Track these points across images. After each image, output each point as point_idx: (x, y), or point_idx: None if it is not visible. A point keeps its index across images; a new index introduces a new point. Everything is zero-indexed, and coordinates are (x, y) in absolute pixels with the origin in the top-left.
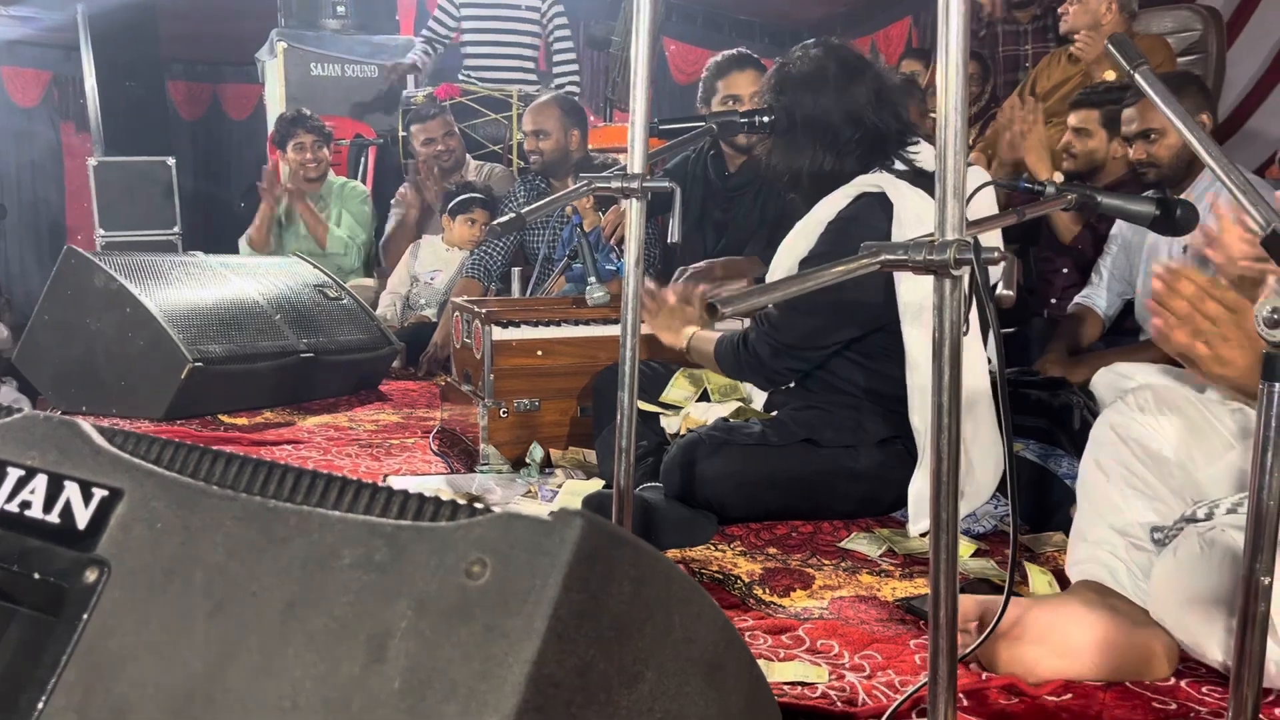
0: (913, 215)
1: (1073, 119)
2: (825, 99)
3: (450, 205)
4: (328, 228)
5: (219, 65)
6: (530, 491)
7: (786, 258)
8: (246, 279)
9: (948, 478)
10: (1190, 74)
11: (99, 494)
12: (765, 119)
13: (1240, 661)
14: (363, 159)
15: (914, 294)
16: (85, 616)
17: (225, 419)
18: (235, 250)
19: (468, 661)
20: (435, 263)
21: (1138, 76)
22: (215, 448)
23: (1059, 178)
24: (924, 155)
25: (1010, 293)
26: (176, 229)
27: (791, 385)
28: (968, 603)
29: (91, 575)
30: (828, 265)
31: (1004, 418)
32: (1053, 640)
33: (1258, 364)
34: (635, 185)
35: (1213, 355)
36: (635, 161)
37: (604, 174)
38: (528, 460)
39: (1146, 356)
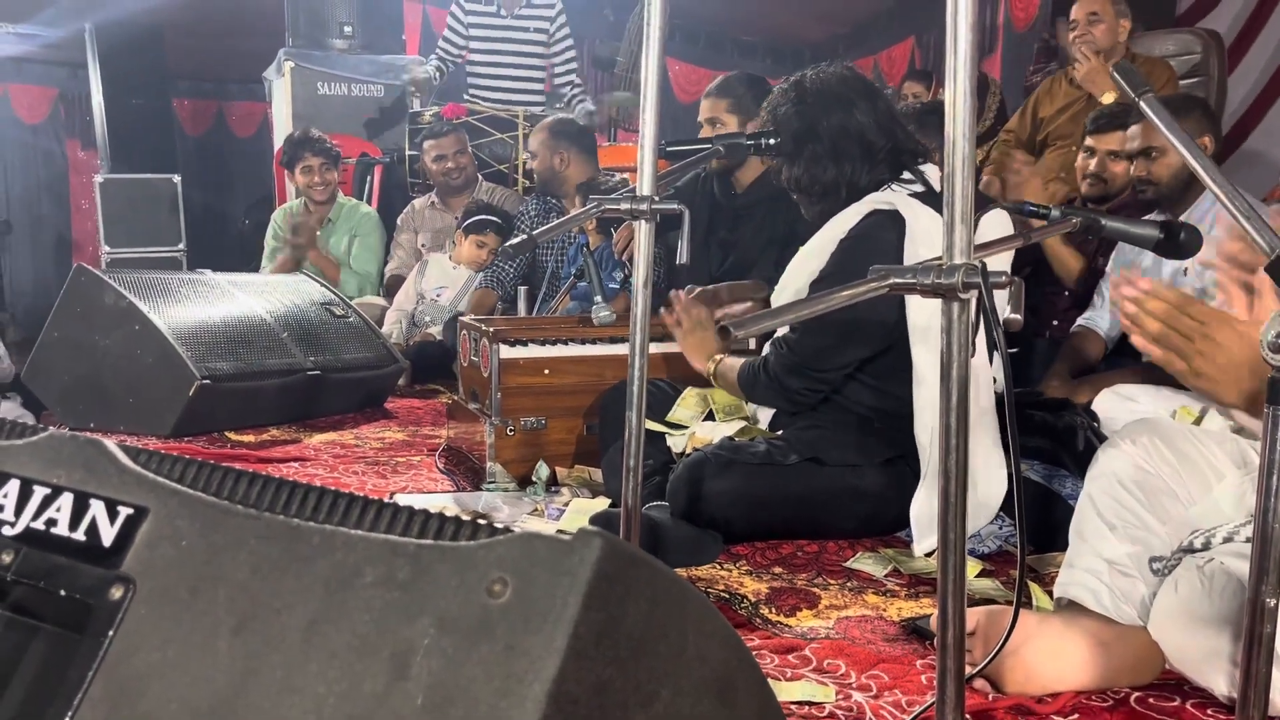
0: (924, 232)
1: (1103, 141)
2: (858, 110)
3: (465, 223)
4: (339, 267)
5: (225, 83)
6: (537, 510)
7: (797, 276)
8: (254, 297)
9: (955, 498)
10: (1194, 96)
11: (124, 512)
12: (771, 140)
13: (1246, 683)
14: (369, 178)
15: (922, 314)
16: (110, 633)
17: (232, 436)
18: (238, 267)
19: (489, 679)
20: (442, 280)
21: (1143, 103)
22: (235, 467)
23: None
24: (933, 176)
25: (1019, 316)
26: (181, 245)
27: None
28: (969, 613)
29: (117, 592)
30: (837, 289)
31: (1012, 439)
32: (1042, 651)
33: (1233, 375)
34: (644, 207)
35: (1189, 369)
36: (644, 183)
37: (614, 195)
38: (534, 478)
39: (1148, 378)
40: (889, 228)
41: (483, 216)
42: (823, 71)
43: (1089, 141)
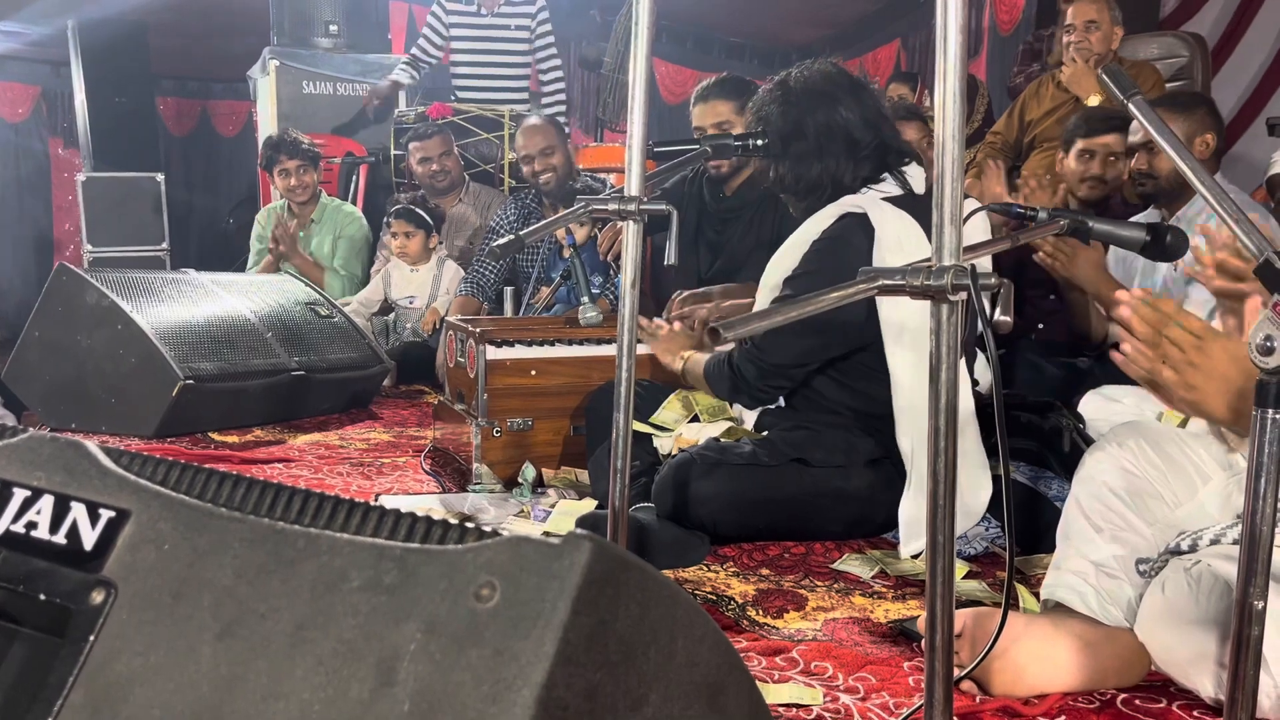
0: (893, 237)
1: (1101, 143)
2: (843, 107)
3: (392, 210)
4: (324, 270)
5: (209, 82)
6: (523, 511)
7: (773, 275)
8: (238, 297)
9: (944, 501)
10: (1199, 94)
11: (106, 515)
12: (758, 141)
13: (1234, 685)
14: (354, 177)
15: (895, 314)
16: (92, 638)
17: (216, 437)
18: (222, 266)
19: (477, 684)
20: (406, 288)
21: (1132, 105)
22: (219, 469)
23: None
24: (916, 178)
25: (1008, 319)
26: (165, 245)
27: (781, 404)
28: (956, 615)
29: (98, 597)
30: (826, 290)
31: (1001, 441)
32: (1029, 653)
33: (1222, 390)
34: (632, 208)
35: (1179, 381)
36: (632, 184)
37: (601, 196)
38: (520, 480)
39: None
40: (858, 231)
41: (406, 206)
42: (807, 69)
43: (1083, 144)
